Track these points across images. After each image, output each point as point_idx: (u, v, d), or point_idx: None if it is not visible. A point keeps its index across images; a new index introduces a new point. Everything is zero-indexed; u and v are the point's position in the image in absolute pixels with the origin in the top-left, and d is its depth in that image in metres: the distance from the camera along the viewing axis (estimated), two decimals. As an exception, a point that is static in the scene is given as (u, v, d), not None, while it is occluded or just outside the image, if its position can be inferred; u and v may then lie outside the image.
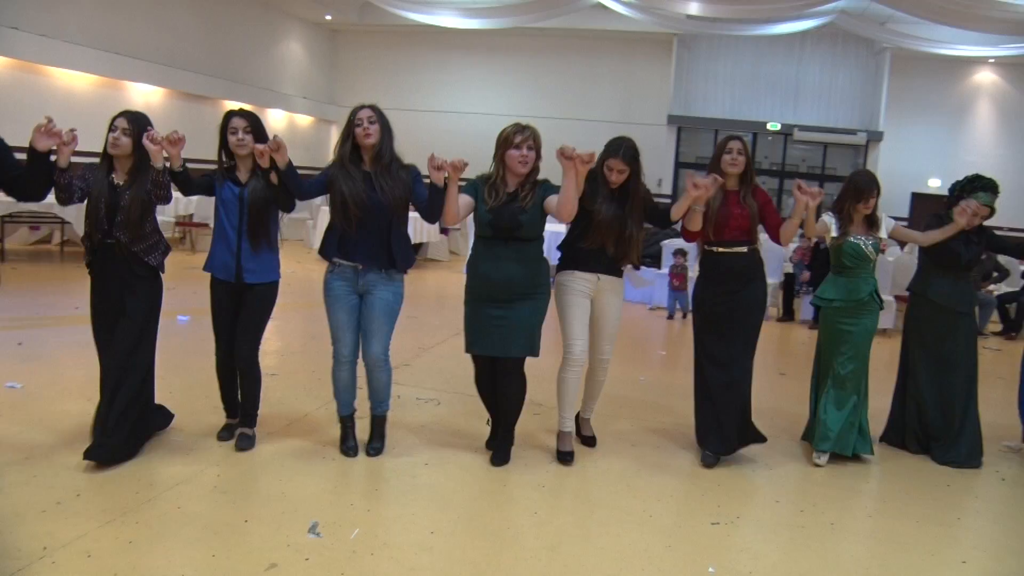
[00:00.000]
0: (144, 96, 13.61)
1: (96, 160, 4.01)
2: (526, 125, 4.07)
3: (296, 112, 17.74)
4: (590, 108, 17.46)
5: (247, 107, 14.17)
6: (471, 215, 4.17)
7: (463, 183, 4.06)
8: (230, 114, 4.14)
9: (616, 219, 4.21)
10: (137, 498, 3.59)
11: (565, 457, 4.39)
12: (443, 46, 18.06)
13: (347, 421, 4.38)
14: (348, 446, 4.33)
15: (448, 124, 17.84)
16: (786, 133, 17.06)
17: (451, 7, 15.22)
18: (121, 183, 3.95)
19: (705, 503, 4.01)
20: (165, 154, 3.86)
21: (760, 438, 4.55)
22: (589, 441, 4.68)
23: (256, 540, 3.32)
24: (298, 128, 17.97)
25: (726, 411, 4.41)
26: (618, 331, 4.50)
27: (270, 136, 4.04)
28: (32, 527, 3.26)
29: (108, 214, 3.89)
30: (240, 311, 4.18)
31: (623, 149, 4.19)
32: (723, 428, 4.42)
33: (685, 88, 17.25)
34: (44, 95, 11.23)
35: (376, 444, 4.35)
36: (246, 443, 4.26)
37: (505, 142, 4.04)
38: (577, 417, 4.63)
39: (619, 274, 4.40)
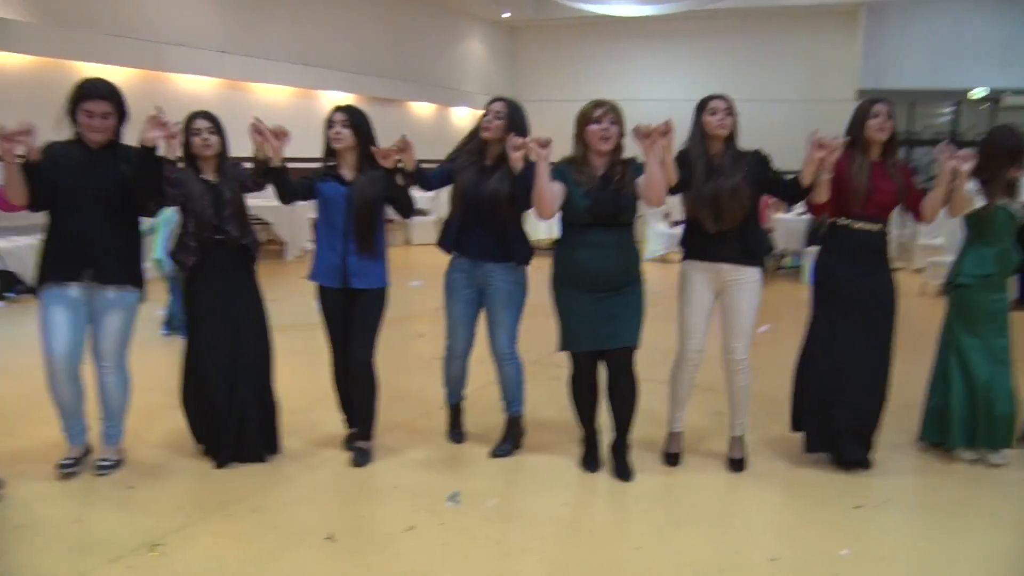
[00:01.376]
0: (336, 102, 14.58)
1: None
2: (605, 100, 3.79)
3: (479, 108, 18.35)
4: (771, 87, 16.88)
5: (431, 106, 14.78)
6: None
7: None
8: (334, 109, 4.01)
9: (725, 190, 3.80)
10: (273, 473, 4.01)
11: (669, 459, 4.14)
12: (620, 35, 18.05)
13: (453, 410, 4.39)
14: (455, 433, 4.36)
15: (629, 112, 17.77)
16: (994, 99, 15.74)
17: (625, -5, 15.22)
18: (215, 180, 3.89)
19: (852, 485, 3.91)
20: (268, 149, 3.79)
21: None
22: (735, 464, 4.08)
23: (400, 505, 3.62)
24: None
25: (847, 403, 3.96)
26: (752, 327, 4.02)
27: (378, 139, 3.93)
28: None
29: (216, 210, 3.85)
30: (352, 317, 4.02)
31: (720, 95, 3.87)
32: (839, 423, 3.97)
33: (876, 59, 16.30)
34: (250, 110, 12.33)
35: (505, 447, 4.19)
36: (363, 459, 4.05)
37: (584, 118, 3.76)
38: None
39: (750, 262, 3.95)
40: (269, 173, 3.88)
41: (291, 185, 3.95)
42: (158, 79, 11.41)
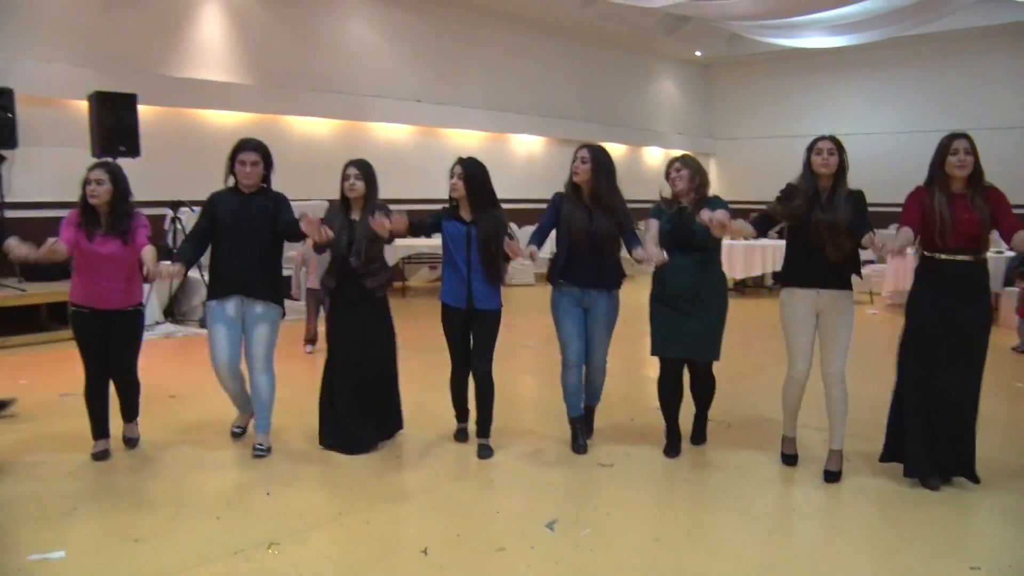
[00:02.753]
0: (525, 146, 15.21)
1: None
2: (678, 157, 4.63)
3: (672, 148, 18.37)
4: (985, 115, 15.65)
5: (622, 147, 15.23)
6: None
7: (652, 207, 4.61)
8: (456, 161, 4.64)
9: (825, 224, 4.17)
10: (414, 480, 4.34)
11: (787, 459, 4.61)
12: (815, 68, 17.50)
13: (576, 422, 4.87)
14: (579, 444, 4.83)
15: (828, 146, 17.17)
16: None
17: (817, 27, 14.77)
18: (358, 219, 4.66)
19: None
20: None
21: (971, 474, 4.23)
22: (831, 476, 4.36)
23: (498, 527, 3.84)
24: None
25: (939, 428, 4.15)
26: (848, 346, 4.37)
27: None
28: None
29: (349, 244, 4.62)
30: (472, 333, 4.76)
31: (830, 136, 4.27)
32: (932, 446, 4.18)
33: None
34: (442, 153, 13.16)
35: (581, 442, 4.83)
36: (486, 452, 4.75)
37: (666, 172, 4.63)
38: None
39: (846, 286, 4.32)
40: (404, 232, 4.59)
41: (422, 228, 4.71)
42: (359, 128, 12.48)
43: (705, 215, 4.06)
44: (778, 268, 11.96)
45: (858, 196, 4.23)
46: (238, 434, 5.04)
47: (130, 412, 4.86)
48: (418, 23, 13.09)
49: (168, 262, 4.55)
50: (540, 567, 3.44)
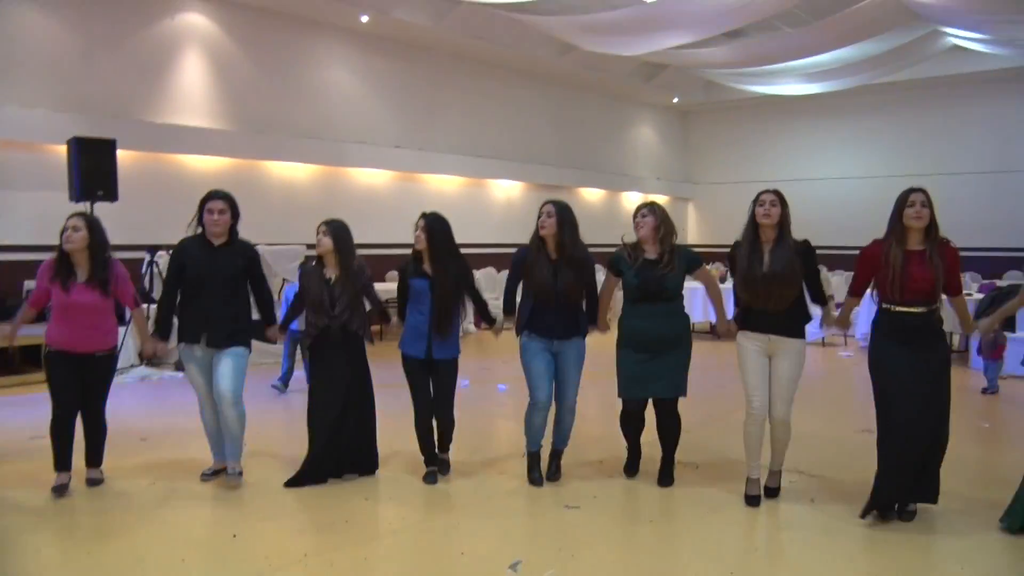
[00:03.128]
0: (504, 191, 15.36)
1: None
2: (646, 204, 4.80)
3: (650, 193, 18.59)
4: (956, 161, 15.99)
5: (600, 192, 15.51)
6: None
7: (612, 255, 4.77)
8: (420, 216, 4.90)
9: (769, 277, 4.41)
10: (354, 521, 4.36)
11: (749, 500, 4.66)
12: (791, 114, 17.83)
13: (533, 457, 5.02)
14: (535, 476, 4.99)
15: (802, 191, 17.31)
16: None
17: (792, 74, 15.11)
18: (334, 276, 4.86)
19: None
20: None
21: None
22: (770, 492, 4.73)
23: (461, 569, 3.85)
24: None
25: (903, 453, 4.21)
26: (793, 391, 4.58)
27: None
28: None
29: (331, 301, 4.83)
30: (432, 381, 4.98)
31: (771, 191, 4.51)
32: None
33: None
34: (421, 198, 13.30)
35: (554, 474, 5.04)
36: (440, 473, 5.09)
37: (633, 216, 4.79)
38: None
39: (795, 334, 4.52)
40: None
41: (404, 300, 5.00)
42: (339, 174, 12.59)
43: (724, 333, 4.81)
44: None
45: (805, 248, 4.46)
46: (208, 475, 5.07)
47: (95, 457, 4.91)
48: (397, 70, 13.28)
49: (157, 338, 4.91)
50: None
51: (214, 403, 4.87)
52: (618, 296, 4.98)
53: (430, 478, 5.04)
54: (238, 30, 11.24)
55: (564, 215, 4.73)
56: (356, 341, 4.97)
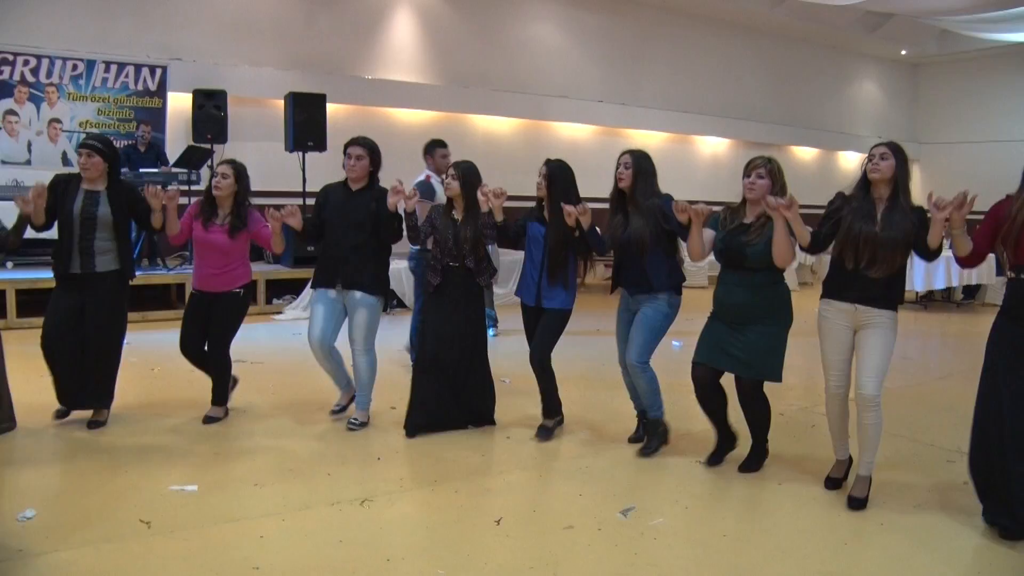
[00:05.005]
0: (711, 147, 15.07)
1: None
2: (760, 157, 4.29)
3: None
4: None
5: (814, 151, 14.85)
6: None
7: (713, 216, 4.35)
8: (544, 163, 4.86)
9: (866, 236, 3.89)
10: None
11: (829, 483, 4.33)
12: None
13: (640, 415, 4.99)
14: (635, 437, 5.01)
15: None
16: None
17: (1041, 22, 13.64)
18: (460, 218, 4.97)
19: None
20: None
21: None
22: (854, 503, 4.07)
23: (574, 508, 4.07)
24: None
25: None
26: (884, 370, 4.01)
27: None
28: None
29: (456, 243, 4.93)
30: (538, 328, 4.93)
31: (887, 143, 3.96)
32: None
33: None
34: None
35: (651, 445, 4.82)
36: (544, 434, 5.04)
37: (745, 170, 4.29)
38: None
39: (887, 305, 3.97)
40: (499, 227, 4.89)
41: (507, 231, 4.93)
42: (541, 127, 12.93)
43: (771, 201, 3.96)
44: (967, 282, 11.23)
45: (920, 217, 3.88)
46: (337, 411, 5.38)
47: (219, 395, 5.22)
48: (602, 23, 13.34)
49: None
50: (599, 547, 3.61)
51: (326, 348, 5.08)
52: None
53: (542, 433, 5.08)
54: (447, -12, 11.76)
55: (641, 164, 4.61)
56: (474, 286, 5.06)
